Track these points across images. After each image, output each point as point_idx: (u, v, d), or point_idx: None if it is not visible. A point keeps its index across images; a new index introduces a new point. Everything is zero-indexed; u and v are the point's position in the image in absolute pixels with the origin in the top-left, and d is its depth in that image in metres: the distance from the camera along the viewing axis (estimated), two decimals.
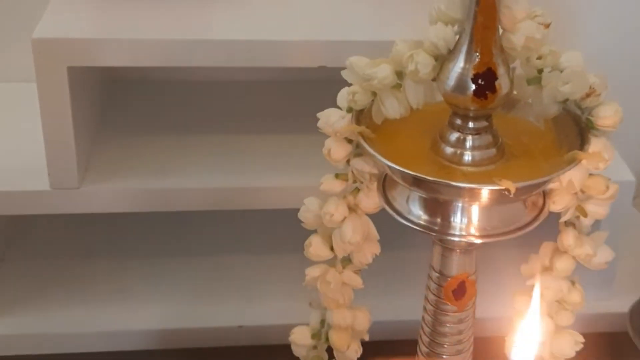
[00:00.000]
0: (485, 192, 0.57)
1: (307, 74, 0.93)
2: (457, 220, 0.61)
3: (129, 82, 1.11)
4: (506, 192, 0.56)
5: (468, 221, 0.61)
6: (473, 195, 0.58)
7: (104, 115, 1.04)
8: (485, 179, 0.58)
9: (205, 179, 0.94)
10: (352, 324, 0.73)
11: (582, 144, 0.60)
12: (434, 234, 0.62)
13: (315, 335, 0.75)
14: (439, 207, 0.61)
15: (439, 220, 0.61)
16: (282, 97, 1.10)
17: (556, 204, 0.64)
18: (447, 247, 0.64)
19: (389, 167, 0.59)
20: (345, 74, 0.63)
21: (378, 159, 0.59)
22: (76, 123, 0.88)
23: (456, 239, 0.61)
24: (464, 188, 0.57)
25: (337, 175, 0.68)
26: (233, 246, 1.09)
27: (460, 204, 0.60)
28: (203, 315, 0.99)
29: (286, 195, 0.92)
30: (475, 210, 0.60)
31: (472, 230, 0.61)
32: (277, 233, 1.06)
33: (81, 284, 1.02)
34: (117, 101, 1.08)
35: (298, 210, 0.70)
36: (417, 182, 0.59)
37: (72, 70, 0.85)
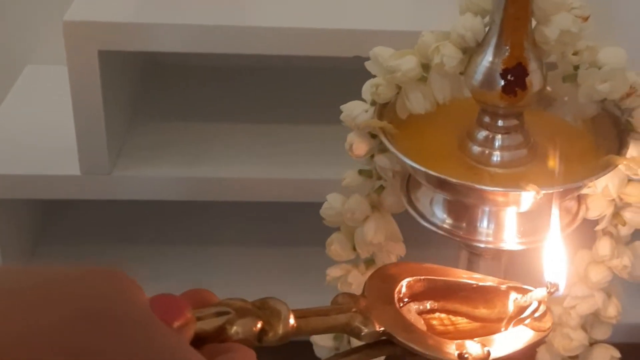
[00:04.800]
0: (511, 196, 0.53)
1: (345, 63, 0.90)
2: (484, 225, 0.57)
3: (165, 68, 1.09)
4: (534, 197, 0.51)
5: (495, 227, 0.57)
6: (499, 199, 0.54)
7: (139, 101, 1.02)
8: (514, 182, 0.54)
9: (240, 169, 0.91)
10: None
11: (621, 147, 0.56)
12: (458, 239, 0.58)
13: (338, 337, 0.72)
14: (464, 210, 0.57)
15: (464, 224, 0.58)
16: (321, 86, 1.07)
17: (591, 211, 0.59)
18: (473, 253, 0.60)
19: (412, 167, 0.55)
20: (369, 65, 0.60)
21: (400, 158, 0.56)
22: (107, 108, 0.87)
23: (482, 245, 0.57)
24: (488, 191, 0.53)
25: (360, 172, 0.64)
26: (266, 237, 1.06)
27: (487, 209, 0.56)
28: None
29: (323, 187, 0.89)
30: (503, 215, 0.56)
31: (500, 237, 0.57)
32: (314, 226, 1.03)
33: None
34: (152, 87, 1.06)
35: None
36: (440, 184, 0.55)
37: (103, 54, 0.83)
